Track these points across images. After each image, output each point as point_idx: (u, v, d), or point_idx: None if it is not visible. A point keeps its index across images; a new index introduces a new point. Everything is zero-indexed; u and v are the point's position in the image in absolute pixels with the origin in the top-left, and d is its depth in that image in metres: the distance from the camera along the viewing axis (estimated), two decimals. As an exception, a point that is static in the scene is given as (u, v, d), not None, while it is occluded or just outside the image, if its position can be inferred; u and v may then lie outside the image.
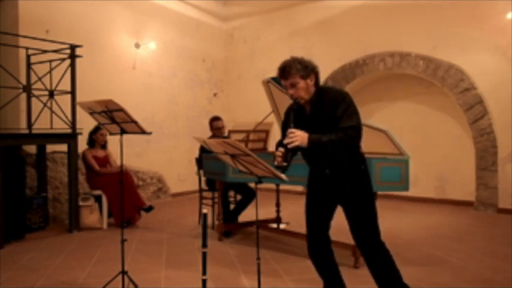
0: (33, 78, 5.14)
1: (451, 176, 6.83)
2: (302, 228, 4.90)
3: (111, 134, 3.28)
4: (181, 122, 8.04)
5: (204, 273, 2.45)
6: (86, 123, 5.10)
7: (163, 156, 7.60)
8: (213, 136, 5.38)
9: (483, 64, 6.13)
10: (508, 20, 5.84)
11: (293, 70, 2.39)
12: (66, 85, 5.14)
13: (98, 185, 5.48)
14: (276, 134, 5.11)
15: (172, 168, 7.69)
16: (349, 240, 3.63)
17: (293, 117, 2.43)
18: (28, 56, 5.36)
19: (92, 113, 3.15)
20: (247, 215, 4.99)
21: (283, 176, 2.41)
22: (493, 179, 6.07)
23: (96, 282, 3.37)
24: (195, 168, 5.69)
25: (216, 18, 8.84)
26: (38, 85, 5.02)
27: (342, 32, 7.42)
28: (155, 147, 7.43)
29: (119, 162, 5.19)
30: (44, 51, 5.14)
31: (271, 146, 5.12)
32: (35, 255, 4.23)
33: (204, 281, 2.45)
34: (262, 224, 4.90)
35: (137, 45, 7.14)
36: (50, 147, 5.77)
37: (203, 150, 4.95)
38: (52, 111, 5.13)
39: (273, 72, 5.46)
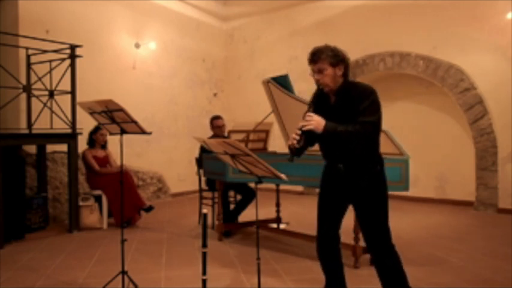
0: (33, 78, 5.14)
1: (451, 176, 6.83)
2: (302, 228, 4.91)
3: (111, 134, 3.28)
4: (181, 122, 8.04)
5: (204, 273, 2.45)
6: (86, 123, 5.10)
7: (163, 156, 7.60)
8: (214, 135, 5.38)
9: (483, 64, 6.13)
10: (508, 20, 5.84)
11: (323, 55, 2.38)
12: (66, 85, 5.14)
13: (98, 185, 5.48)
14: (276, 134, 5.14)
15: (172, 168, 7.69)
16: (349, 240, 3.65)
17: (316, 103, 2.44)
18: (28, 56, 5.36)
19: (92, 113, 3.15)
20: (247, 215, 4.99)
21: (283, 176, 2.41)
22: (493, 179, 6.07)
23: (96, 282, 3.38)
24: (195, 168, 5.69)
25: (216, 18, 8.84)
26: (38, 85, 5.02)
27: (342, 32, 7.41)
28: (155, 147, 7.44)
29: (118, 162, 5.19)
30: (44, 51, 5.14)
31: (271, 146, 5.12)
32: (35, 255, 4.23)
33: (204, 281, 2.45)
34: (262, 224, 4.90)
35: (137, 45, 7.14)
36: (50, 147, 5.77)
37: (203, 150, 4.95)
38: (52, 111, 5.13)
39: (273, 72, 5.49)
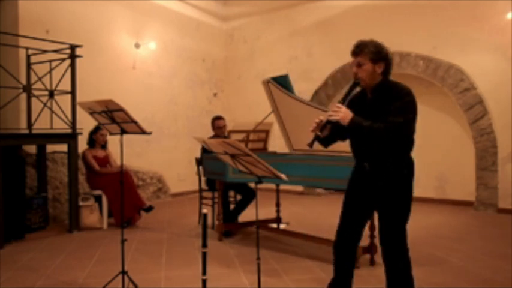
0: (33, 78, 5.14)
1: (451, 176, 6.83)
2: (302, 228, 4.92)
3: (111, 134, 3.28)
4: (181, 122, 8.04)
5: (204, 273, 2.45)
6: (86, 123, 5.10)
7: (163, 156, 7.59)
8: (214, 135, 5.38)
9: (483, 64, 6.13)
10: (508, 20, 5.85)
11: (365, 50, 2.36)
12: (66, 85, 5.14)
13: (98, 185, 5.48)
14: (276, 134, 5.14)
15: (172, 168, 7.69)
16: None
17: (348, 97, 2.43)
18: (28, 56, 5.36)
19: (92, 113, 3.15)
20: (247, 215, 4.99)
21: (283, 176, 2.41)
22: (493, 179, 6.07)
23: (96, 282, 3.37)
24: (195, 168, 5.69)
25: (216, 18, 8.84)
26: (38, 85, 5.02)
27: (342, 32, 7.42)
28: (155, 147, 7.43)
29: (118, 162, 5.19)
30: (44, 51, 5.14)
31: (271, 146, 5.13)
32: (35, 255, 4.23)
33: (204, 281, 2.45)
34: (262, 224, 4.90)
35: (137, 45, 7.14)
36: (50, 147, 5.77)
37: (204, 150, 4.95)
38: (52, 111, 5.13)
39: (273, 72, 5.50)
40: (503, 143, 6.01)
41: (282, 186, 5.30)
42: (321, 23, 7.71)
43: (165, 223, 5.68)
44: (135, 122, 3.04)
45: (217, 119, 5.44)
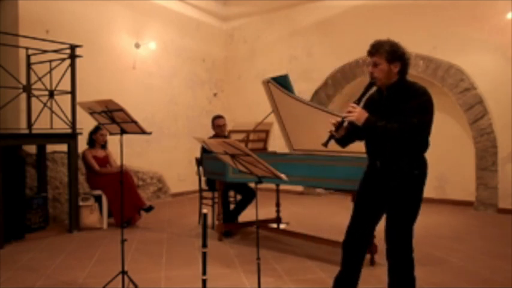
0: (33, 78, 5.14)
1: (451, 176, 6.83)
2: (302, 228, 4.92)
3: (111, 134, 3.28)
4: (181, 122, 8.04)
5: (204, 273, 2.45)
6: (86, 123, 5.10)
7: (163, 156, 7.60)
8: (215, 134, 5.38)
9: (483, 64, 6.13)
10: (508, 20, 5.85)
11: (381, 49, 2.37)
12: (66, 85, 5.14)
13: (98, 185, 5.48)
14: (276, 134, 5.14)
15: (172, 168, 7.69)
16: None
17: (365, 97, 2.43)
18: (28, 56, 5.36)
19: (92, 113, 3.15)
20: (247, 215, 4.99)
21: (283, 176, 2.41)
22: (493, 179, 6.07)
23: (96, 282, 3.38)
24: (195, 168, 5.69)
25: (216, 18, 8.84)
26: (38, 85, 5.02)
27: (342, 32, 7.42)
28: (155, 147, 7.43)
29: (118, 162, 5.19)
30: (44, 51, 5.14)
31: (271, 146, 5.13)
32: (35, 255, 4.23)
33: (204, 281, 2.45)
34: (262, 224, 4.90)
35: (137, 45, 7.14)
36: (50, 147, 5.77)
37: (204, 150, 4.95)
38: (52, 111, 5.13)
39: (273, 72, 5.50)
40: (503, 143, 6.01)
41: (282, 186, 5.30)
42: (321, 23, 7.71)
43: (165, 223, 5.67)
44: (135, 122, 3.04)
45: (217, 118, 5.44)
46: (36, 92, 5.11)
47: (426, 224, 5.38)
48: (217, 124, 5.36)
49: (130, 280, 3.08)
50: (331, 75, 7.57)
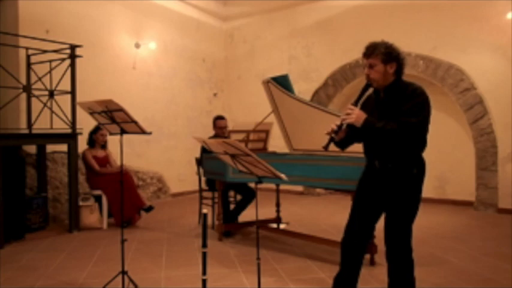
0: (33, 78, 5.14)
1: (451, 176, 6.83)
2: (302, 228, 4.92)
3: (111, 134, 3.28)
4: (181, 122, 8.04)
5: (204, 273, 2.45)
6: (86, 123, 5.10)
7: (163, 156, 7.60)
8: (215, 135, 5.38)
9: (483, 64, 6.13)
10: (508, 20, 5.85)
11: (376, 51, 2.38)
12: (66, 85, 5.14)
13: (98, 185, 5.48)
14: (276, 134, 5.14)
15: (172, 168, 7.69)
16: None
17: (362, 98, 2.44)
18: (28, 56, 5.36)
19: (92, 113, 3.15)
20: (247, 215, 4.99)
21: (283, 176, 2.41)
22: (493, 179, 6.07)
23: (96, 282, 3.38)
24: (195, 168, 5.69)
25: (216, 18, 8.84)
26: (38, 85, 5.02)
27: (342, 32, 7.42)
28: (155, 147, 7.44)
29: (118, 162, 5.19)
30: (44, 51, 5.14)
31: (271, 146, 5.13)
32: (35, 255, 4.23)
33: (204, 281, 2.45)
34: (262, 224, 4.90)
35: (137, 45, 7.14)
36: (50, 147, 5.77)
37: (204, 150, 4.95)
38: (52, 111, 5.13)
39: (273, 72, 5.50)
40: (503, 143, 6.01)
41: (282, 186, 5.30)
42: (321, 23, 7.71)
43: (165, 223, 5.67)
44: (135, 122, 3.04)
45: (218, 119, 5.44)
46: (36, 92, 5.11)
47: (426, 224, 5.39)
48: (219, 125, 5.36)
49: (130, 280, 3.08)
50: (331, 75, 7.57)
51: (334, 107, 7.50)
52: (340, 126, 2.38)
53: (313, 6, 7.77)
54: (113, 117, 3.06)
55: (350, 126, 2.40)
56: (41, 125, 5.09)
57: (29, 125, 5.17)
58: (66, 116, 5.17)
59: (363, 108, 2.44)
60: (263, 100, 4.77)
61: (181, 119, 8.03)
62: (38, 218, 5.25)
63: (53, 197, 5.80)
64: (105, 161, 5.64)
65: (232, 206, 5.24)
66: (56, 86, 5.15)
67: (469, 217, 5.85)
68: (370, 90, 2.49)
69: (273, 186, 4.95)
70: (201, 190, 5.55)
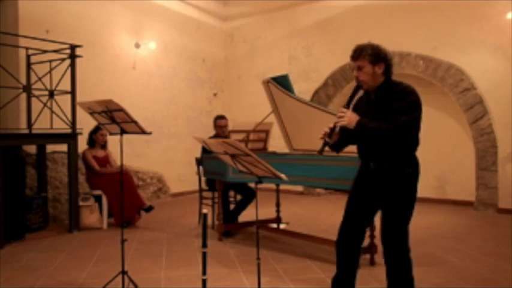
0: (33, 78, 5.14)
1: (451, 176, 6.83)
2: (302, 228, 4.92)
3: (111, 134, 3.28)
4: (181, 122, 8.04)
5: (204, 273, 2.45)
6: (86, 123, 5.10)
7: (163, 156, 7.60)
8: (215, 134, 5.38)
9: (483, 64, 6.13)
10: (508, 20, 5.85)
11: (363, 53, 2.39)
12: (66, 85, 5.14)
13: (98, 185, 5.48)
14: (276, 134, 5.14)
15: (172, 168, 7.69)
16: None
17: (353, 100, 2.46)
18: (28, 56, 5.36)
19: (92, 113, 3.15)
20: (247, 215, 4.99)
21: (283, 176, 2.41)
22: (493, 179, 6.07)
23: (96, 282, 3.38)
24: (195, 168, 5.69)
25: (216, 18, 8.84)
26: (38, 85, 5.02)
27: (342, 32, 7.42)
28: (155, 147, 7.44)
29: (118, 162, 5.19)
30: (44, 51, 5.14)
31: (271, 146, 5.13)
32: (35, 255, 4.23)
33: (204, 281, 2.45)
34: (262, 224, 4.90)
35: (137, 45, 7.14)
36: (50, 147, 5.77)
37: (205, 150, 4.95)
38: (52, 111, 5.13)
39: (273, 72, 5.50)
40: (503, 143, 6.01)
41: (282, 186, 5.30)
42: (321, 23, 7.71)
43: (165, 223, 5.68)
44: (135, 122, 3.04)
45: (219, 118, 5.44)
46: (36, 92, 5.11)
47: (426, 224, 5.39)
48: (219, 125, 5.36)
49: (130, 280, 3.08)
50: (331, 75, 7.57)
51: (334, 107, 7.50)
52: (333, 129, 2.39)
53: (313, 6, 7.77)
54: (113, 117, 3.06)
55: (343, 128, 2.40)
56: (41, 125, 5.09)
57: (29, 125, 5.17)
58: (66, 116, 5.17)
59: (354, 110, 2.45)
60: (263, 100, 4.77)
61: (181, 119, 8.03)
62: (38, 218, 5.25)
63: (53, 197, 5.80)
64: (105, 161, 5.64)
65: (232, 206, 5.24)
66: (56, 86, 5.15)
67: (469, 217, 5.85)
68: (361, 92, 2.50)
69: (273, 186, 4.95)
70: (201, 190, 5.55)
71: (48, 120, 5.15)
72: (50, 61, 5.19)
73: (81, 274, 3.62)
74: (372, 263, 3.72)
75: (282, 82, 4.32)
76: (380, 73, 2.40)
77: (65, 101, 5.19)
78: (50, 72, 5.14)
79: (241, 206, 5.10)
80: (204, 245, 2.43)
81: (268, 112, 4.60)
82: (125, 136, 3.19)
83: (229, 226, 4.89)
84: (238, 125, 5.61)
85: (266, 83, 4.43)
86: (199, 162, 5.44)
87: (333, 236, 2.69)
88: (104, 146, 5.70)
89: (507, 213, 5.87)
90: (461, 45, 6.28)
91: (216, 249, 4.31)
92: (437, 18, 6.44)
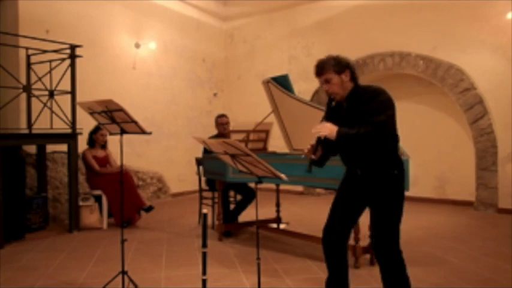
0: (33, 78, 5.14)
1: (451, 176, 6.83)
2: (302, 228, 4.92)
3: (111, 134, 3.28)
4: (181, 122, 8.04)
5: (204, 273, 2.45)
6: (86, 123, 5.10)
7: (163, 156, 7.60)
8: (218, 133, 5.38)
9: (483, 64, 6.13)
10: (508, 20, 5.85)
11: (327, 65, 2.42)
12: (66, 85, 5.14)
13: (98, 185, 5.48)
14: (276, 134, 5.13)
15: (172, 168, 7.69)
16: (350, 240, 3.65)
17: (329, 112, 2.48)
18: (28, 56, 5.36)
19: (92, 113, 3.15)
20: (247, 215, 4.99)
21: (283, 176, 2.41)
22: (493, 179, 6.07)
23: (96, 282, 3.38)
24: (195, 168, 5.69)
25: (216, 18, 8.84)
26: (38, 85, 5.02)
27: (342, 32, 7.42)
28: (155, 147, 7.44)
29: (118, 162, 5.19)
30: (44, 51, 5.14)
31: (271, 146, 5.13)
32: (35, 255, 4.23)
33: (204, 281, 2.45)
34: (262, 224, 4.90)
35: (137, 45, 7.14)
36: (50, 147, 5.77)
37: (206, 150, 4.95)
38: (52, 111, 5.13)
39: (273, 72, 5.49)
40: (503, 143, 6.01)
41: (282, 186, 5.30)
42: (321, 23, 7.71)
43: (165, 223, 5.68)
44: (135, 122, 3.04)
45: (220, 117, 5.45)
46: (36, 92, 5.11)
47: (426, 224, 5.39)
48: (221, 122, 5.36)
49: (130, 280, 3.08)
50: (331, 75, 7.55)
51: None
52: (316, 145, 2.38)
53: (313, 6, 7.77)
54: (113, 117, 3.06)
55: (324, 141, 2.39)
56: (41, 125, 5.09)
57: (29, 125, 5.17)
58: (66, 116, 5.17)
59: (328, 120, 2.46)
60: (263, 100, 4.77)
61: (181, 119, 8.03)
62: (38, 218, 5.25)
63: (53, 197, 5.80)
64: (105, 161, 5.64)
65: (232, 206, 5.24)
66: (56, 86, 5.15)
67: (469, 217, 5.85)
68: (333, 104, 2.51)
69: (273, 186, 4.96)
70: (201, 190, 5.55)
71: (48, 120, 5.15)
72: (50, 61, 5.19)
73: (81, 274, 3.62)
74: (372, 263, 3.72)
75: (282, 82, 4.32)
76: (348, 80, 2.43)
77: (65, 101, 5.19)
78: (50, 72, 5.14)
79: (241, 206, 5.11)
80: (204, 245, 2.43)
81: (268, 112, 4.60)
82: (125, 136, 3.19)
83: (229, 226, 4.89)
84: (238, 125, 5.61)
85: (266, 83, 4.43)
86: (199, 162, 5.44)
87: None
88: (104, 146, 5.70)
89: (507, 213, 5.87)
90: (461, 45, 6.28)
91: (216, 249, 4.31)
92: (437, 18, 6.44)
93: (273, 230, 4.90)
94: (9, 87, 5.00)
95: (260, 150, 4.84)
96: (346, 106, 2.47)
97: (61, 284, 3.41)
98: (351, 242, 3.64)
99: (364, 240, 3.69)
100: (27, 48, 5.23)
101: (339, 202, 2.58)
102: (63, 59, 5.19)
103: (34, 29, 5.46)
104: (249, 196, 5.07)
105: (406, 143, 3.82)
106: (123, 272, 3.07)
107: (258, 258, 2.57)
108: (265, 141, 4.95)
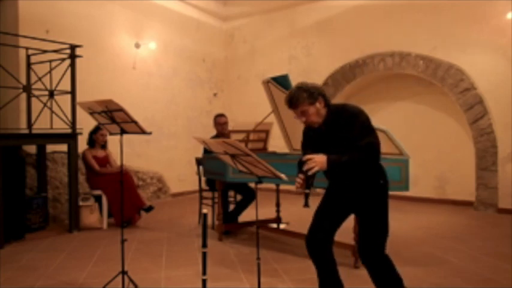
0: (33, 78, 5.14)
1: (451, 176, 6.83)
2: (302, 228, 4.90)
3: (111, 134, 3.28)
4: (181, 122, 8.04)
5: (204, 273, 2.45)
6: (86, 123, 5.10)
7: (163, 156, 7.60)
8: (217, 133, 5.38)
9: (483, 64, 6.13)
10: (508, 20, 5.85)
11: (300, 99, 2.41)
12: (66, 85, 5.14)
13: (98, 185, 5.48)
14: (276, 134, 5.14)
15: (172, 168, 7.69)
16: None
17: (309, 140, 2.51)
18: (28, 56, 5.36)
19: (92, 113, 3.15)
20: (247, 215, 4.99)
21: (283, 176, 2.41)
22: (493, 179, 6.08)
23: (96, 282, 3.38)
24: (195, 168, 5.69)
25: (216, 18, 8.84)
26: (38, 85, 5.02)
27: (342, 32, 7.42)
28: (155, 147, 7.44)
29: (118, 162, 5.19)
30: (44, 51, 5.14)
31: (271, 146, 5.13)
32: (35, 255, 4.23)
33: (204, 281, 2.45)
34: (262, 224, 4.90)
35: (137, 45, 7.14)
36: (50, 147, 5.77)
37: (206, 150, 4.95)
38: (52, 111, 5.13)
39: (273, 72, 5.49)
40: (503, 143, 6.02)
41: (282, 186, 5.30)
42: (321, 23, 7.71)
43: (165, 223, 5.67)
44: (135, 122, 3.04)
45: (218, 116, 5.45)
46: (36, 92, 5.11)
47: (426, 224, 5.39)
48: (219, 122, 5.36)
49: (130, 280, 3.08)
50: (331, 75, 7.56)
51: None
52: (307, 179, 2.36)
53: (313, 6, 7.77)
54: (113, 117, 3.06)
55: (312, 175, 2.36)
56: (41, 125, 5.09)
57: (29, 125, 5.17)
58: (66, 116, 5.17)
59: (311, 148, 2.47)
60: (263, 100, 4.77)
61: (181, 119, 8.03)
62: (38, 218, 5.25)
63: (53, 197, 5.80)
64: (105, 161, 5.64)
65: (232, 206, 5.24)
66: (56, 86, 5.15)
67: (469, 217, 5.85)
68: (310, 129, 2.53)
69: (273, 186, 4.96)
70: (201, 190, 5.55)
71: (48, 120, 5.15)
72: (50, 61, 5.19)
73: (81, 274, 3.62)
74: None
75: (282, 82, 4.32)
76: (322, 107, 2.44)
77: (65, 101, 5.19)
78: (50, 72, 5.14)
79: (242, 206, 5.11)
80: (204, 245, 2.43)
81: (268, 112, 4.60)
82: (125, 136, 3.19)
83: (229, 226, 4.90)
84: (238, 125, 5.61)
85: (266, 83, 4.43)
86: (199, 162, 5.44)
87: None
88: (104, 146, 5.70)
89: (507, 213, 5.87)
90: (461, 45, 6.28)
91: (216, 249, 4.31)
92: (437, 18, 6.45)
93: (273, 230, 4.90)
94: (9, 87, 5.00)
95: (260, 150, 4.84)
96: (324, 129, 2.48)
97: (61, 284, 3.41)
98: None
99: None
100: (27, 48, 5.23)
101: (325, 205, 2.58)
102: (63, 59, 5.19)
103: (34, 29, 5.46)
104: (249, 196, 5.07)
105: (406, 143, 3.83)
106: (123, 272, 3.07)
107: (258, 258, 2.57)
108: (265, 141, 4.95)
